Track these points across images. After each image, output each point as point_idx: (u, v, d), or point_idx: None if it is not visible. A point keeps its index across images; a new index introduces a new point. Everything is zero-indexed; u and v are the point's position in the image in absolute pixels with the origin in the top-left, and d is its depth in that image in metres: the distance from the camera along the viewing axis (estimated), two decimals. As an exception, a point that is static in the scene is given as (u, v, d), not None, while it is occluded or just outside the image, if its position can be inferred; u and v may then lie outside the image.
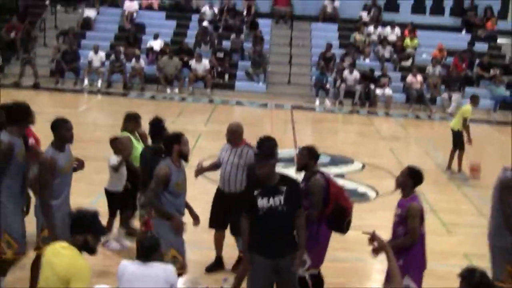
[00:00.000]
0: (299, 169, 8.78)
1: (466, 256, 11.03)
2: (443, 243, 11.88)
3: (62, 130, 8.10)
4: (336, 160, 17.11)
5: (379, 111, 26.34)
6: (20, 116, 8.20)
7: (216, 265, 10.29)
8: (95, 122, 21.20)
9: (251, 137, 10.45)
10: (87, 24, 30.18)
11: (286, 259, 7.73)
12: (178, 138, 8.50)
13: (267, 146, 8.46)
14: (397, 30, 30.36)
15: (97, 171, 11.95)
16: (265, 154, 7.86)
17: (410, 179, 8.00)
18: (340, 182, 15.05)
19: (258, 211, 7.60)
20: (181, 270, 8.41)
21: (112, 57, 27.35)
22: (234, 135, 9.94)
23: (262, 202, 7.58)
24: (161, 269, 6.67)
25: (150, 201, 8.50)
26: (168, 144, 8.53)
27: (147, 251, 6.71)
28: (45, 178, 8.01)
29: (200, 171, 10.22)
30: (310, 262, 8.49)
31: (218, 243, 10.23)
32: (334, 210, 8.44)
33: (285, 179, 7.82)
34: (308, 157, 8.62)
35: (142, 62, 27.45)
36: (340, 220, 8.56)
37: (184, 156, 8.51)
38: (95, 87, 26.80)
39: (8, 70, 27.64)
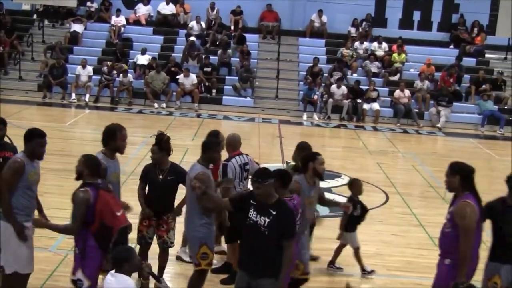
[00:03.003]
0: (76, 178, 7.92)
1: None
2: (431, 256, 11.77)
3: (212, 152, 8.71)
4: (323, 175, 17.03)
5: (367, 126, 26.34)
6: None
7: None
8: (82, 136, 21.10)
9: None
10: (74, 39, 30.13)
11: (258, 282, 7.41)
12: (314, 156, 8.86)
13: (263, 169, 8.08)
14: (385, 45, 30.42)
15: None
16: (264, 173, 7.53)
17: (276, 182, 7.66)
18: (330, 196, 15.14)
19: (246, 219, 7.42)
20: None
21: (105, 69, 27.36)
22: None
23: (252, 214, 7.39)
24: (118, 282, 6.74)
25: None
26: (304, 162, 8.88)
27: (114, 262, 6.89)
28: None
29: None
30: (85, 281, 7.68)
31: None
32: (100, 228, 7.62)
33: (281, 205, 7.44)
34: (83, 165, 7.87)
35: (130, 76, 27.44)
36: (105, 240, 7.67)
37: (318, 175, 8.85)
38: (83, 102, 26.76)
39: (-4, 84, 27.52)
